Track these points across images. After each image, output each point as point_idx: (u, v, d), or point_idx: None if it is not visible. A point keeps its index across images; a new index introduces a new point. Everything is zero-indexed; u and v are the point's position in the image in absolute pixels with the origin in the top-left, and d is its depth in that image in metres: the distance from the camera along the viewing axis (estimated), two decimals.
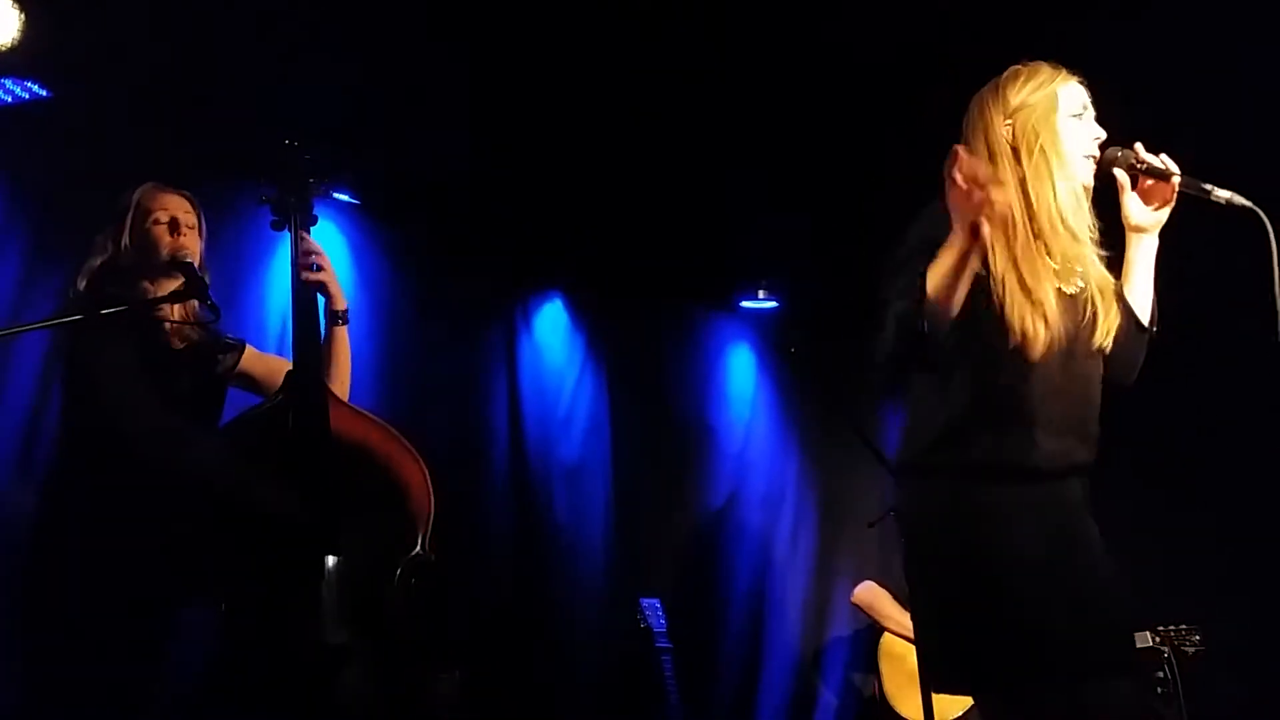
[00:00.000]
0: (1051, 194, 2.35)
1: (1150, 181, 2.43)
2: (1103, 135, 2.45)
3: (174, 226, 2.97)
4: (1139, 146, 2.44)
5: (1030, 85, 2.41)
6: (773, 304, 6.08)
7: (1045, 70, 2.44)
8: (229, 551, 2.63)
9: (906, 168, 2.60)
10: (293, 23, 3.72)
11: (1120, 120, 2.48)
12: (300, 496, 2.62)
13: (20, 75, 3.71)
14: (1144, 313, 2.48)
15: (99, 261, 2.92)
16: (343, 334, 3.01)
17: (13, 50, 3.40)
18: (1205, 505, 5.19)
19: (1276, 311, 2.23)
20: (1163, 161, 2.42)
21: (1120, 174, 2.44)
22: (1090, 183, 2.43)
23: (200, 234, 3.03)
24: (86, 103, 3.85)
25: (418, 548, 2.76)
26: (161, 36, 3.65)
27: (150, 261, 2.93)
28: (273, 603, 2.59)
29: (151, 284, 2.92)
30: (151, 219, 2.97)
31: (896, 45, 3.97)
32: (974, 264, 2.17)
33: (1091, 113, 2.47)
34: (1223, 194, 2.35)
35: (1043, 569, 2.28)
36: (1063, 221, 2.35)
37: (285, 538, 2.61)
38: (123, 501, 2.70)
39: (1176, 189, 2.41)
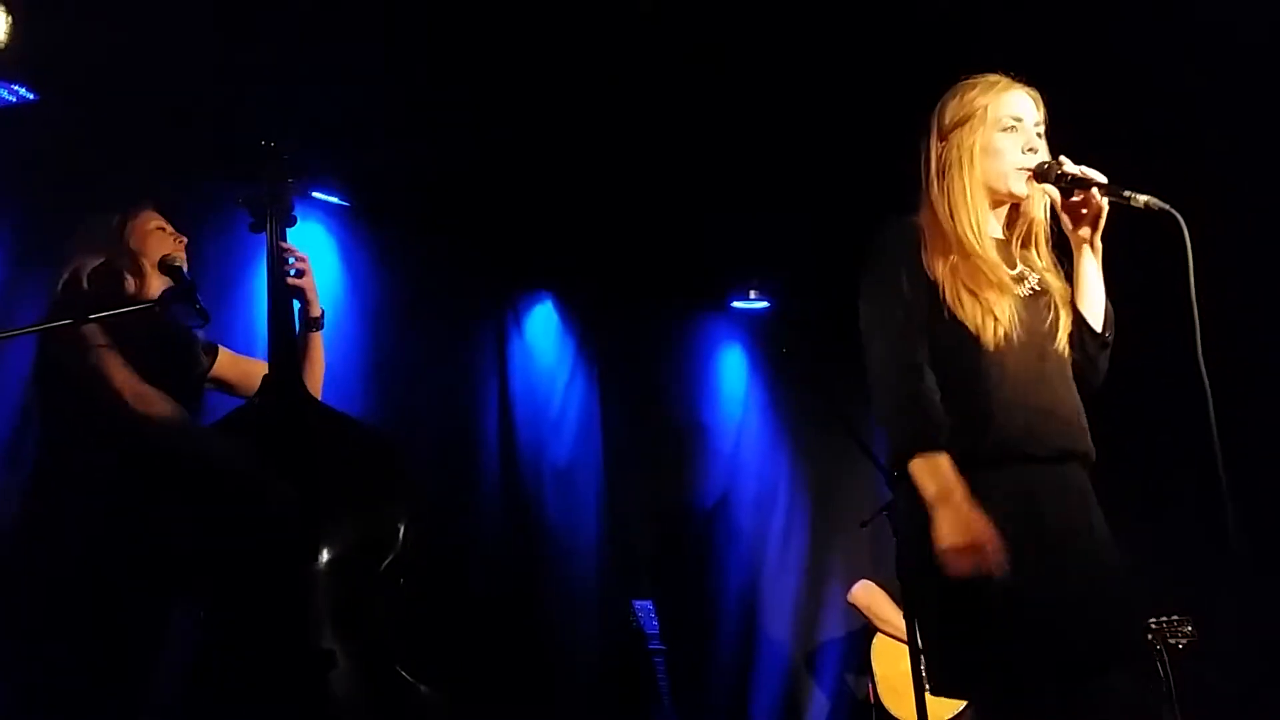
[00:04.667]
0: (966, 210, 2.45)
1: (1078, 193, 2.47)
2: (1037, 145, 2.50)
3: (165, 233, 3.00)
4: (1063, 158, 2.48)
5: (964, 102, 2.51)
6: (764, 304, 6.08)
7: (979, 85, 2.52)
8: (210, 555, 2.60)
9: (899, 167, 2.61)
10: (282, 24, 3.70)
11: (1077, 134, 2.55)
12: (280, 499, 2.60)
13: (7, 78, 3.70)
14: (1095, 320, 2.52)
15: (92, 263, 2.90)
16: (317, 339, 2.98)
17: (0, 53, 3.39)
18: (1196, 495, 5.16)
19: (1192, 308, 2.25)
20: (1082, 171, 2.45)
21: (1050, 189, 2.49)
22: (1022, 191, 2.49)
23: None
24: (73, 106, 3.83)
25: (402, 549, 2.73)
26: (149, 40, 3.63)
27: (141, 266, 2.93)
28: (256, 607, 2.56)
29: (138, 289, 2.90)
30: (155, 224, 3.00)
31: (891, 46, 3.97)
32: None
33: (1033, 119, 2.52)
34: (1141, 198, 2.39)
35: (1041, 559, 2.27)
36: (976, 233, 2.45)
37: (266, 541, 2.59)
38: (104, 507, 2.68)
39: (1103, 197, 2.45)
